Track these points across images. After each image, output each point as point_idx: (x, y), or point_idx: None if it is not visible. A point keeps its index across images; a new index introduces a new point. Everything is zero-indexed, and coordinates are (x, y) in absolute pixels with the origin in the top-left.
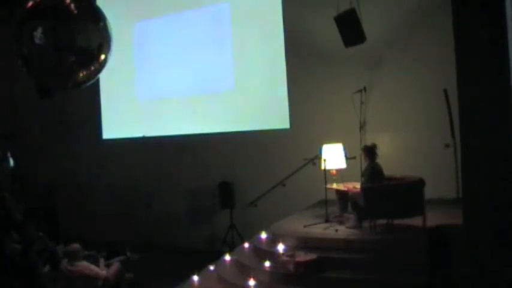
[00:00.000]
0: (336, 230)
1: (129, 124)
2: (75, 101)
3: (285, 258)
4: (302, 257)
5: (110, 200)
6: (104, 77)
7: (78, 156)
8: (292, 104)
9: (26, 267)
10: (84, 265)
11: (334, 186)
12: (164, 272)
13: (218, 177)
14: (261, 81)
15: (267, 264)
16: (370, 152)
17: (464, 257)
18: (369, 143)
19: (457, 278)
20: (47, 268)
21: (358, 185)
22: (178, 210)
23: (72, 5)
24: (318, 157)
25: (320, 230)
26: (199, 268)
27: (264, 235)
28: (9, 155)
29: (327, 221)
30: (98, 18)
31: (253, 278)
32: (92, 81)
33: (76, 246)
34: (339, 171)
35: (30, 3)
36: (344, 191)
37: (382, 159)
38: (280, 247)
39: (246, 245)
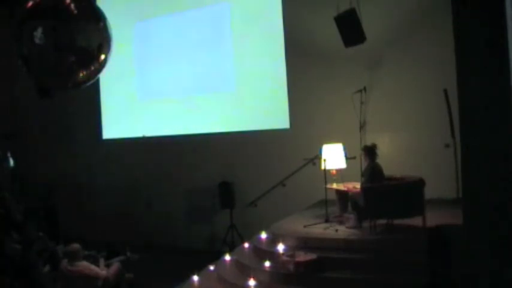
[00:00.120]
0: (336, 230)
1: (129, 124)
2: (75, 101)
3: (285, 258)
4: (302, 257)
5: (110, 200)
6: (104, 77)
7: (78, 156)
8: (292, 104)
9: (26, 267)
10: (84, 265)
11: (334, 186)
12: (164, 272)
13: (218, 177)
14: (261, 81)
15: (267, 264)
16: (370, 152)
17: (464, 257)
18: (369, 143)
19: (457, 278)
20: (47, 268)
21: (358, 185)
22: (178, 210)
23: (72, 5)
24: (318, 157)
25: (320, 230)
26: (199, 268)
27: (264, 235)
28: (9, 155)
29: (327, 221)
30: (98, 18)
31: (253, 278)
32: (92, 81)
33: (76, 246)
34: (339, 171)
35: (30, 3)
36: (344, 191)
37: (382, 159)
38: (280, 247)
39: (246, 245)
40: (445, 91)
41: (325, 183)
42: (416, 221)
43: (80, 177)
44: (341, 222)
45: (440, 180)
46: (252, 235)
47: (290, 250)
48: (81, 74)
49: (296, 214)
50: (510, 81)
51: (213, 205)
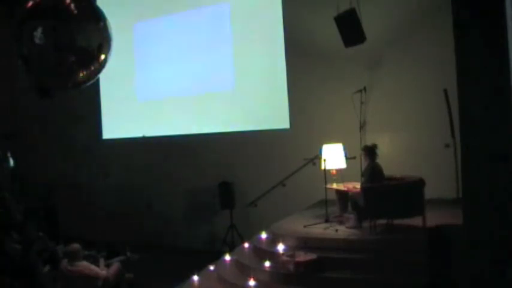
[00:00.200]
0: (336, 230)
1: (129, 124)
2: (75, 101)
3: (285, 258)
4: (302, 257)
5: (110, 200)
6: (104, 77)
7: (78, 156)
8: (292, 104)
9: (26, 267)
10: (84, 265)
11: (334, 186)
12: (164, 272)
13: (218, 177)
14: (261, 81)
15: (267, 264)
16: (370, 152)
17: (464, 257)
18: (369, 143)
19: (457, 278)
20: (47, 268)
21: (358, 185)
22: (178, 210)
23: (72, 5)
24: (318, 157)
25: (320, 230)
26: (199, 268)
27: (264, 235)
28: (9, 155)
29: (327, 221)
30: (98, 18)
31: (253, 278)
32: (92, 81)
33: (76, 246)
34: (339, 171)
35: (30, 3)
36: (344, 191)
37: (382, 159)
38: (280, 247)
39: (246, 245)
40: (445, 91)
41: (325, 183)
42: (416, 221)
43: (80, 177)
44: (341, 222)
45: (440, 180)
46: (252, 235)
47: (290, 250)
48: (81, 74)
49: (296, 214)
50: (510, 81)
51: (213, 205)
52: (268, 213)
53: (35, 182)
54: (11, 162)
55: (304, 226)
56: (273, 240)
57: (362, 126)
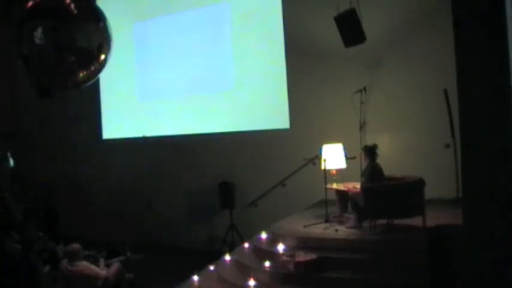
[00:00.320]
0: (336, 230)
1: (129, 124)
2: (75, 101)
3: (285, 258)
4: (302, 257)
5: (110, 200)
6: (104, 77)
7: (78, 156)
8: (292, 104)
9: (26, 267)
10: (84, 265)
11: (334, 186)
12: (164, 272)
13: (218, 177)
14: (261, 81)
15: (267, 264)
16: (370, 152)
17: (464, 257)
18: (369, 143)
19: (457, 278)
20: (47, 268)
21: (358, 185)
22: (178, 210)
23: (72, 5)
24: (318, 157)
25: (320, 230)
26: (199, 268)
27: (264, 235)
28: (9, 155)
29: (327, 221)
30: (98, 18)
31: (253, 278)
32: (92, 81)
33: (76, 246)
34: (339, 171)
35: (30, 3)
36: (344, 191)
37: (382, 159)
38: (280, 247)
39: (246, 245)
40: (445, 91)
41: (325, 183)
42: (416, 221)
43: (80, 177)
44: (341, 222)
45: (440, 180)
46: (252, 235)
47: (290, 250)
48: (81, 74)
49: (296, 214)
50: (510, 81)
51: (213, 205)
52: (268, 213)
53: (35, 182)
54: (11, 162)
55: (304, 226)
56: (273, 240)
57: (362, 126)
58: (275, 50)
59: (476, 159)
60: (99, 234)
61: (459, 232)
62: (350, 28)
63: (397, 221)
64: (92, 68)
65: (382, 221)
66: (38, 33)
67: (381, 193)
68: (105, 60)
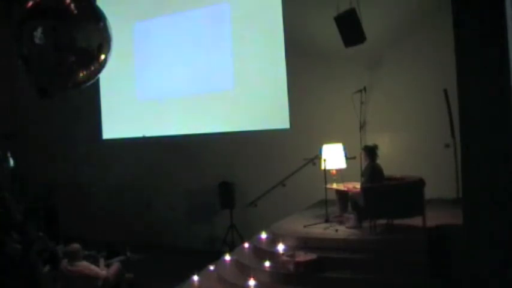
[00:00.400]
0: (336, 230)
1: (129, 124)
2: (75, 101)
3: (285, 258)
4: (302, 257)
5: (110, 200)
6: (104, 77)
7: (78, 156)
8: (292, 104)
9: (26, 267)
10: (84, 265)
11: (334, 186)
12: (164, 272)
13: (218, 177)
14: (261, 81)
15: (267, 264)
16: (370, 152)
17: (464, 257)
18: (369, 143)
19: (457, 278)
20: (47, 268)
21: (358, 185)
22: (178, 210)
23: (72, 5)
24: (318, 157)
25: (320, 230)
26: (199, 268)
27: (264, 235)
28: (9, 155)
29: (327, 221)
30: (98, 18)
31: (253, 278)
32: (92, 81)
33: (76, 246)
34: (339, 171)
35: (30, 3)
36: (344, 191)
37: (382, 159)
38: (280, 247)
39: (246, 245)
40: (445, 91)
41: (325, 183)
42: (416, 221)
43: (80, 177)
44: (341, 222)
45: (440, 180)
46: (252, 235)
47: (290, 250)
48: (81, 74)
49: (296, 214)
50: (510, 81)
51: (213, 205)
52: (268, 213)
53: (35, 182)
54: (11, 162)
55: (304, 226)
56: (273, 240)
57: (362, 126)
58: (275, 50)
59: (476, 159)
60: (99, 234)
61: (459, 232)
62: (350, 28)
63: (397, 221)
64: (92, 68)
65: (382, 221)
66: (38, 33)
67: (381, 193)
68: (105, 60)
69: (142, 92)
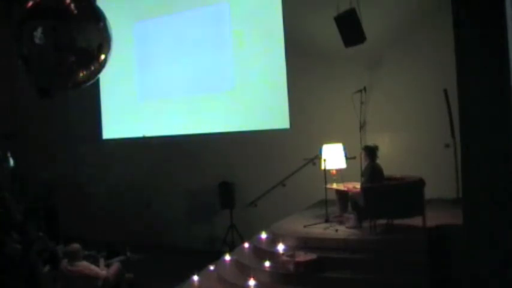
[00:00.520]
0: (336, 230)
1: (129, 124)
2: (75, 101)
3: (285, 258)
4: (302, 257)
5: (110, 200)
6: (104, 77)
7: (78, 156)
8: (292, 104)
9: (26, 267)
10: (84, 265)
11: (334, 186)
12: (164, 272)
13: (218, 177)
14: (261, 81)
15: (267, 264)
16: (371, 152)
17: (464, 257)
18: (369, 143)
19: (457, 278)
20: (47, 268)
21: (358, 185)
22: (178, 210)
23: (72, 5)
24: (318, 157)
25: (320, 230)
26: (199, 268)
27: (264, 235)
28: (9, 155)
29: (327, 221)
30: (98, 18)
31: (253, 278)
32: (92, 81)
33: (76, 246)
34: (339, 171)
35: (30, 3)
36: (344, 191)
37: (382, 159)
38: (280, 247)
39: (246, 245)
40: (445, 91)
41: (325, 183)
42: (416, 221)
43: (80, 177)
44: (341, 222)
45: (440, 180)
46: (252, 235)
47: (290, 250)
48: (81, 74)
49: (296, 214)
50: (510, 81)
51: (213, 205)
52: (268, 213)
53: (35, 182)
54: (11, 162)
55: (304, 226)
56: (273, 240)
57: (362, 126)
58: (275, 50)
59: (476, 159)
60: (99, 234)
61: (459, 232)
62: (350, 28)
63: (397, 221)
64: (92, 68)
65: (382, 221)
66: (38, 33)
67: (381, 193)
68: (105, 60)
69: (143, 92)
